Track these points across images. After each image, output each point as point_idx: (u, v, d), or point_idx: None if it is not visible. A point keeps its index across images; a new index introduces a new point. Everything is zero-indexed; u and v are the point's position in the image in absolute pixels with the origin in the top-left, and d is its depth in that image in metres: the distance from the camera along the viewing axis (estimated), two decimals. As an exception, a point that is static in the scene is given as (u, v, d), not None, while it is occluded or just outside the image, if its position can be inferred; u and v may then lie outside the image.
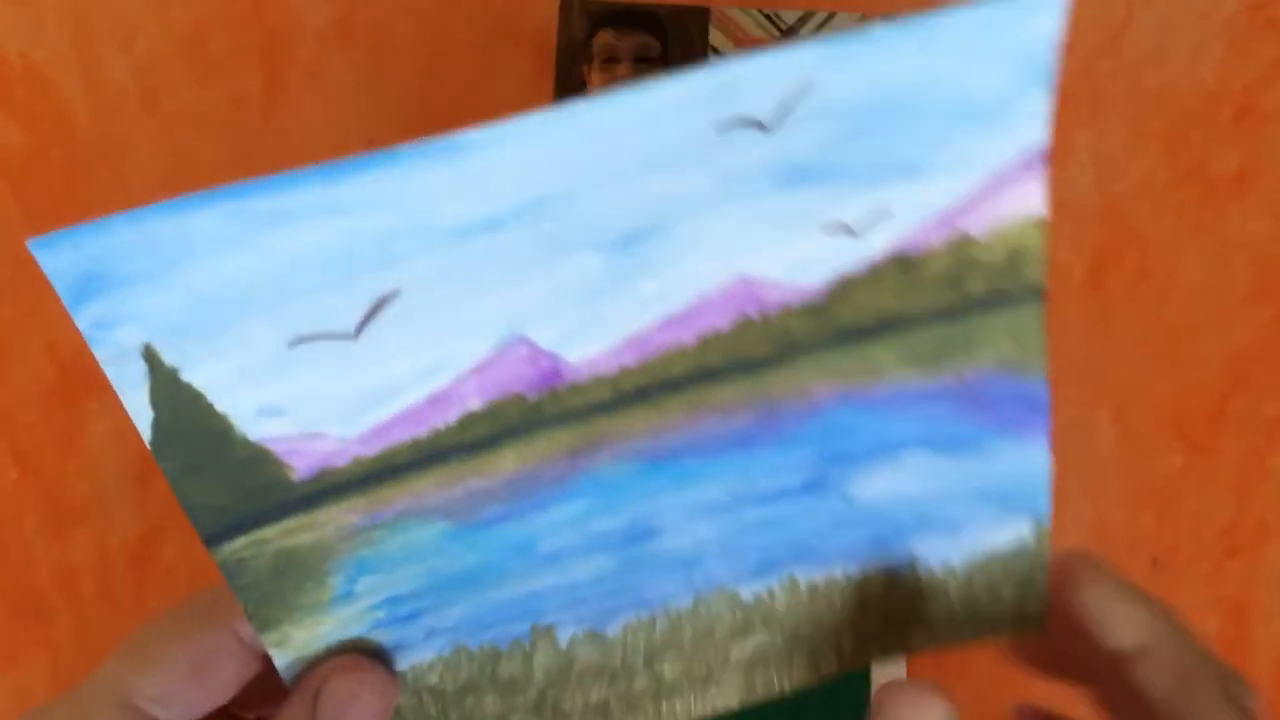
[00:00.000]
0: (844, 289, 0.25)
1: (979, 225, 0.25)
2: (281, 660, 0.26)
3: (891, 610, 0.28)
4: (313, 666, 0.26)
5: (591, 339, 0.24)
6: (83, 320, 0.21)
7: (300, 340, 0.23)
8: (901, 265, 0.25)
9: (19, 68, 0.43)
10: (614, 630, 0.28)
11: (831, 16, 0.43)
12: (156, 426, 0.23)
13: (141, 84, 0.43)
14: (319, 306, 0.23)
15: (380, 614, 0.26)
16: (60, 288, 0.21)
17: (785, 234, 0.24)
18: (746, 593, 0.28)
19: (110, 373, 0.22)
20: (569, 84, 0.45)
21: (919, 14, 0.22)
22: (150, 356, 0.22)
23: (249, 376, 0.23)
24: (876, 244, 0.24)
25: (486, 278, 0.23)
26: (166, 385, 0.23)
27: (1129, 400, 0.43)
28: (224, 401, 0.23)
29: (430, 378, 0.24)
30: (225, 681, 0.25)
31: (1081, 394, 0.43)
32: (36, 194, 0.43)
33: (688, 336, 0.25)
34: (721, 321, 0.25)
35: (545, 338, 0.24)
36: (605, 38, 0.45)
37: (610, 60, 0.45)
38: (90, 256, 0.21)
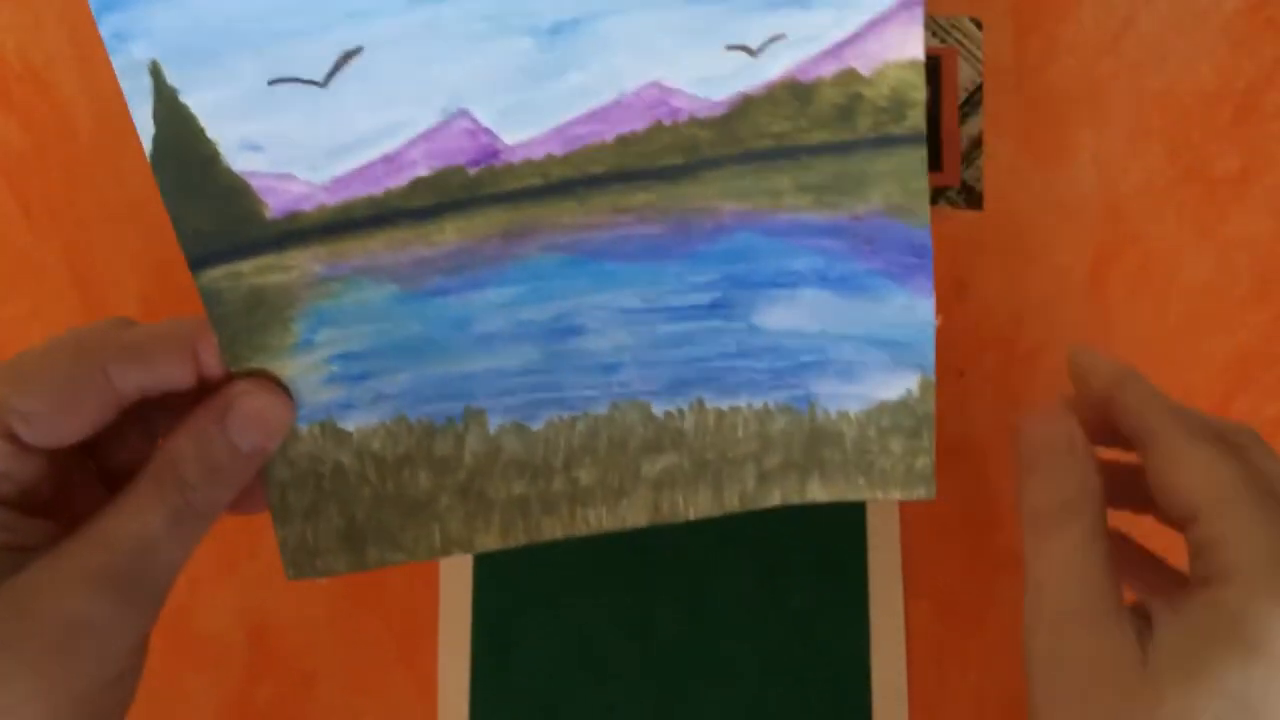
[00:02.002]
0: (744, 107, 0.27)
1: (864, 62, 0.26)
2: None
3: (790, 450, 0.30)
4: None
5: (525, 123, 0.26)
6: (105, 29, 0.24)
7: (278, 80, 0.25)
8: (795, 91, 0.27)
9: (18, 67, 0.43)
10: (538, 424, 0.30)
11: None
12: (156, 143, 0.25)
13: (141, 83, 0.43)
14: (295, 51, 0.25)
15: (334, 368, 0.28)
16: None
17: (693, 46, 0.26)
18: (658, 409, 0.30)
19: (124, 85, 0.25)
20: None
21: None
22: (156, 73, 0.25)
23: (235, 108, 0.25)
24: (772, 67, 0.26)
25: (436, 48, 0.25)
26: (167, 104, 0.25)
27: (1130, 401, 0.43)
28: (213, 128, 0.25)
29: (385, 138, 0.26)
30: (87, 415, 0.26)
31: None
32: (35, 193, 0.43)
33: (608, 133, 0.27)
34: (638, 123, 0.27)
35: (484, 115, 0.26)
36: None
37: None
38: None
